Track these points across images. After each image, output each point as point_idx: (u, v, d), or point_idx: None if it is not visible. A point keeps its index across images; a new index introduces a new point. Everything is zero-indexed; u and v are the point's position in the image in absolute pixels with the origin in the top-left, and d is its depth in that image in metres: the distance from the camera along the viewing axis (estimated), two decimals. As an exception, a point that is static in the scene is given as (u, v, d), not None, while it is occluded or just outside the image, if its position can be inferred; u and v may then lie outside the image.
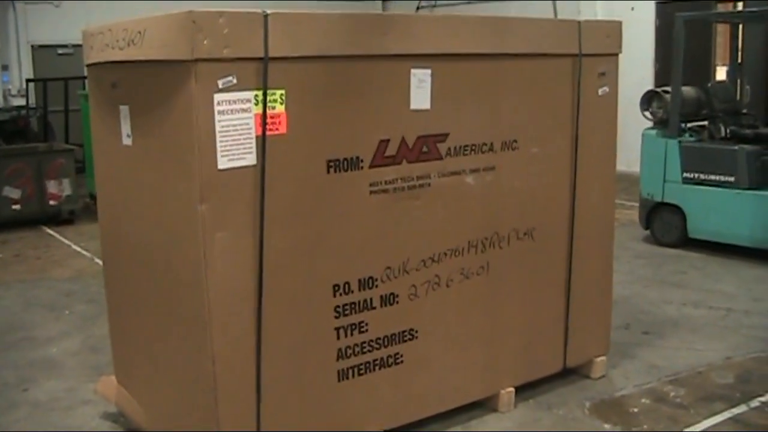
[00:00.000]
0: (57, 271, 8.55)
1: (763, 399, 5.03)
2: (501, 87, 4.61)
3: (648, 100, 9.06)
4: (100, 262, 5.21)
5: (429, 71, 4.22)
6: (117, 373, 4.79)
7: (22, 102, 15.82)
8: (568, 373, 5.28)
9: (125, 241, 4.42)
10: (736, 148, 8.25)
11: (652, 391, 5.18)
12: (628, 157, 9.33)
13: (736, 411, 4.88)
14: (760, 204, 8.01)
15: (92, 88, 4.64)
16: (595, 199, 5.15)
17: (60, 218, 10.95)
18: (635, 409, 4.92)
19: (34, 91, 15.83)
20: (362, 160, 4.06)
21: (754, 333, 6.21)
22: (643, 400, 5.03)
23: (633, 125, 8.70)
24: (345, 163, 4.00)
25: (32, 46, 16.59)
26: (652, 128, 9.02)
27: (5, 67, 16.34)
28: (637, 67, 11.98)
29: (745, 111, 9.24)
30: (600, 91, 5.05)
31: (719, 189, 8.31)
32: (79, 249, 9.53)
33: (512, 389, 4.89)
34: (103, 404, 4.97)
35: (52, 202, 10.89)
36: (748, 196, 8.10)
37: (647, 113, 9.06)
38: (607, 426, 4.72)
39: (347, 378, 4.18)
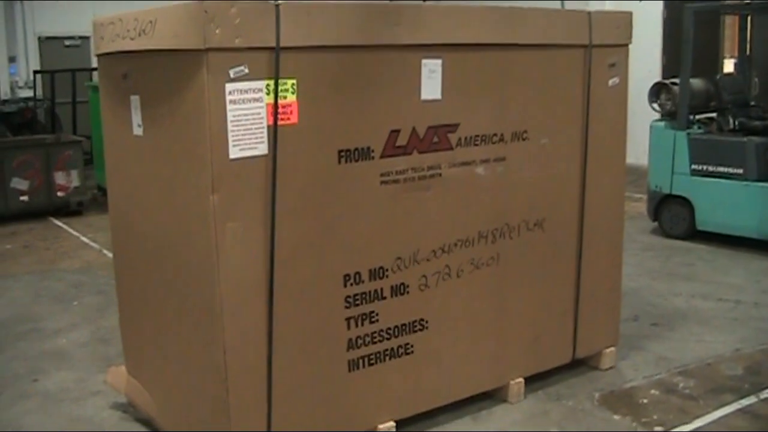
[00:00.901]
0: (66, 263, 8.56)
1: (772, 390, 5.04)
2: (511, 77, 4.60)
3: (656, 92, 9.05)
4: (109, 254, 5.23)
5: (440, 61, 4.22)
6: (127, 364, 4.80)
7: (29, 94, 15.83)
8: (578, 365, 5.28)
9: (136, 231, 4.43)
10: (744, 140, 8.23)
11: (662, 382, 5.18)
12: (636, 150, 9.30)
13: (745, 402, 4.88)
14: (768, 196, 8.00)
15: (103, 79, 4.63)
16: (605, 191, 5.14)
17: (68, 210, 10.98)
18: (644, 401, 4.92)
19: (41, 83, 15.84)
20: (373, 150, 4.06)
21: (763, 325, 6.20)
22: (653, 392, 5.04)
23: (641, 118, 8.66)
24: (356, 153, 4.00)
25: (39, 38, 16.60)
26: (660, 120, 9.01)
27: (12, 59, 16.35)
28: (645, 60, 11.94)
29: (753, 103, 9.21)
30: (610, 82, 5.04)
31: (728, 181, 8.30)
32: (87, 240, 9.54)
33: (521, 380, 4.89)
34: (113, 395, 4.99)
35: (60, 194, 10.91)
36: (757, 188, 8.08)
37: (655, 105, 9.05)
38: (616, 417, 4.72)
39: (357, 368, 4.18)
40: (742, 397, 4.94)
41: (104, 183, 5.02)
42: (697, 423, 4.64)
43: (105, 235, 5.73)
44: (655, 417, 4.70)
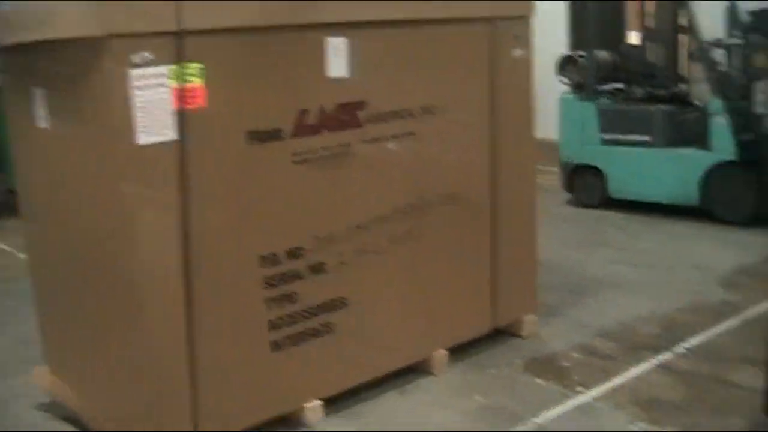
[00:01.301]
0: (-21, 269, 8.37)
1: (686, 345, 5.19)
2: (418, 53, 4.64)
3: (563, 64, 9.18)
4: (24, 257, 5.13)
5: (345, 39, 4.24)
6: (50, 363, 4.74)
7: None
8: (500, 334, 5.37)
9: (50, 227, 4.36)
10: (652, 108, 8.43)
11: (582, 346, 5.29)
12: (548, 124, 9.44)
13: (662, 358, 5.04)
14: (676, 162, 8.19)
15: (3, 74, 4.54)
16: (516, 161, 5.22)
17: (-23, 216, 10.70)
18: (566, 364, 5.03)
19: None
20: (282, 131, 4.07)
21: (677, 287, 6.37)
22: (574, 355, 5.15)
23: (551, 93, 8.78)
24: (265, 134, 4.00)
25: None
26: (569, 93, 9.15)
27: None
28: (551, 34, 12.07)
29: (658, 73, 9.40)
30: (515, 54, 5.11)
31: (637, 149, 8.49)
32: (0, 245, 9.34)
33: (445, 352, 4.95)
34: (37, 396, 4.90)
35: (-32, 200, 10.64)
36: (665, 154, 8.28)
37: (563, 78, 9.18)
38: (539, 381, 4.82)
39: (280, 349, 4.19)
40: (658, 353, 5.08)
41: (14, 185, 4.91)
42: (617, 380, 4.77)
43: (18, 240, 5.60)
44: (576, 378, 4.81)
